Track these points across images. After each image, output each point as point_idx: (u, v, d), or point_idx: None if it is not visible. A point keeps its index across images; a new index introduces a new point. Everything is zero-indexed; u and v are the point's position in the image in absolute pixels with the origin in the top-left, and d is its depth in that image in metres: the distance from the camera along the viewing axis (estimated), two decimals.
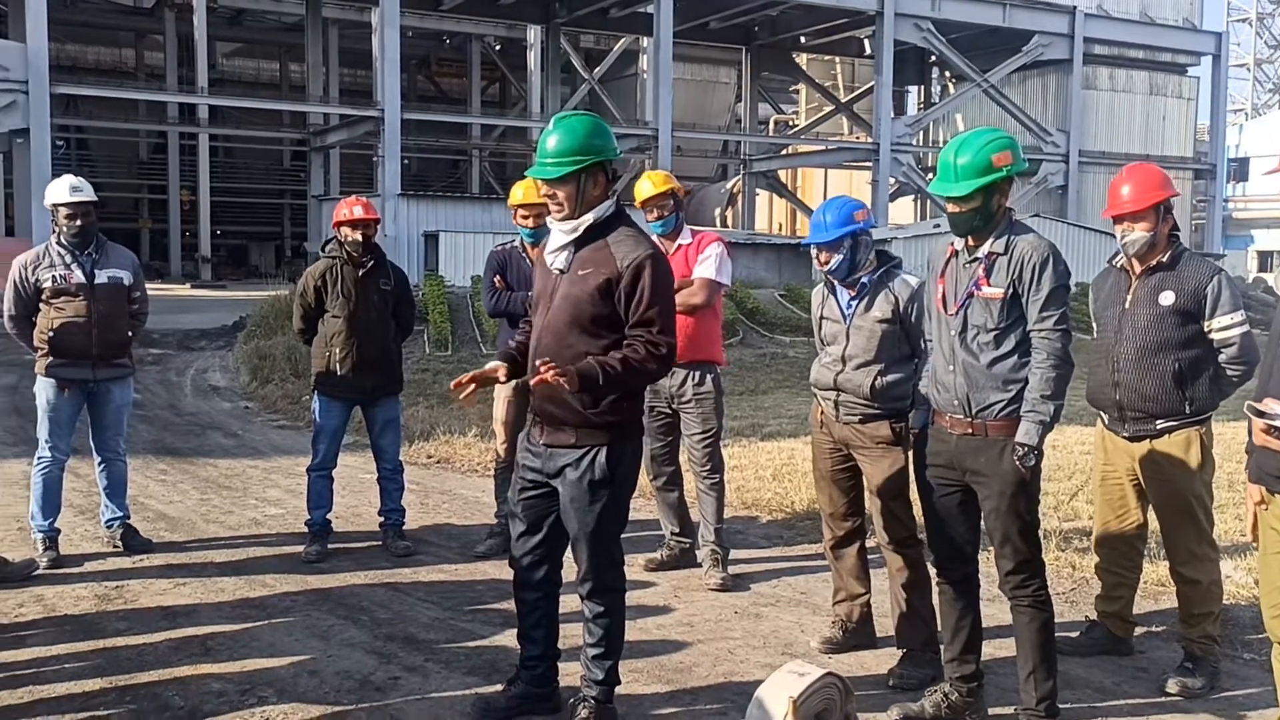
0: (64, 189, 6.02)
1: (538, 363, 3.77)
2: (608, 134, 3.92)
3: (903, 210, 36.96)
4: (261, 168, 44.21)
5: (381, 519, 6.49)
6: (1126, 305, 4.55)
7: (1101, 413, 4.76)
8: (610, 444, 3.87)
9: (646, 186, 5.81)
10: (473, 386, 3.98)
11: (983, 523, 4.04)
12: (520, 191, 6.17)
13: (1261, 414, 3.14)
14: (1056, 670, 3.97)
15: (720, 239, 5.89)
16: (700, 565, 5.91)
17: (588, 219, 3.86)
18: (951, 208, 3.91)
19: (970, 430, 3.90)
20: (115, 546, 6.26)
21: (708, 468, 5.84)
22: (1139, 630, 5.01)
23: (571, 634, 4.41)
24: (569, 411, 3.85)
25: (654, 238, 5.80)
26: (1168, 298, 4.44)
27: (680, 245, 5.81)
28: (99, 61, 41.42)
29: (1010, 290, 3.83)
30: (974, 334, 3.89)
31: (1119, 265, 4.66)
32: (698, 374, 5.73)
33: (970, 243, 3.96)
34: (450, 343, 15.82)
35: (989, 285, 3.86)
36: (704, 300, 5.66)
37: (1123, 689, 4.48)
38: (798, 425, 10.66)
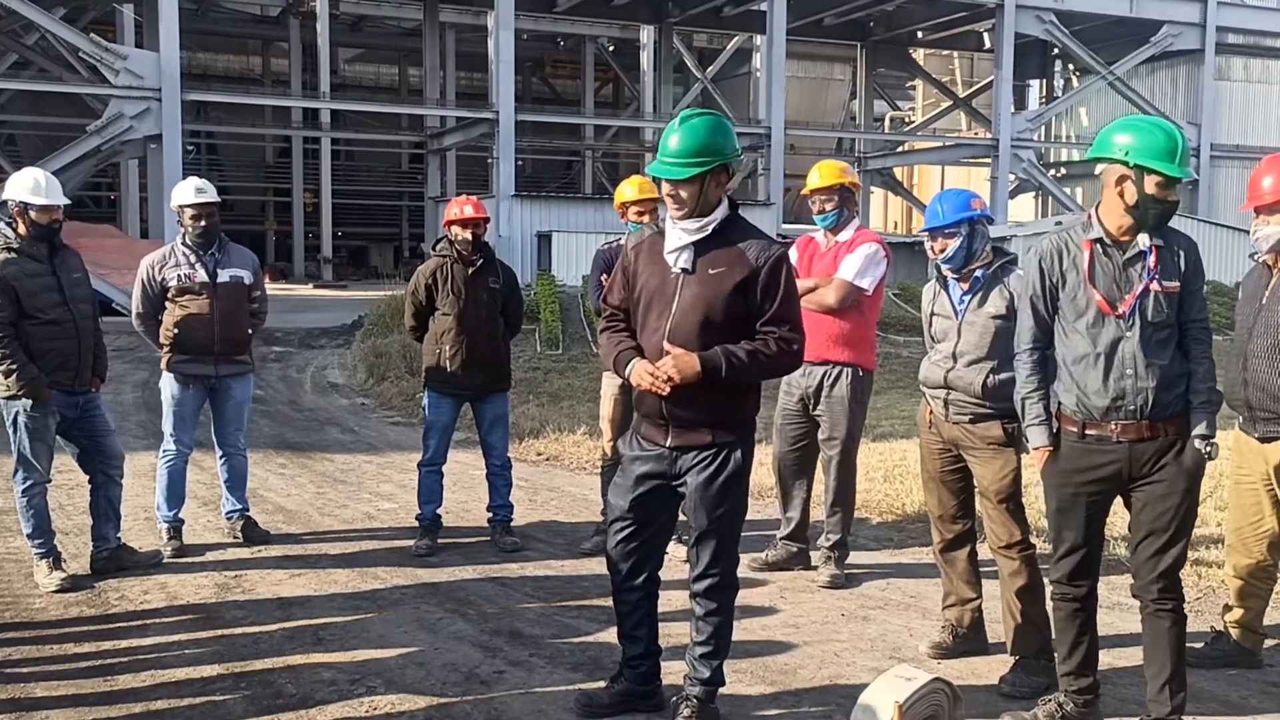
0: (189, 190, 6.23)
1: (654, 374, 3.78)
2: (730, 133, 3.91)
3: (1023, 207, 36.06)
4: (381, 170, 45.33)
5: (490, 514, 6.56)
6: (1264, 300, 4.34)
7: (1237, 414, 4.55)
8: (741, 440, 3.90)
9: (814, 177, 5.68)
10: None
11: (1143, 527, 3.80)
12: (630, 189, 6.17)
13: None
14: (1187, 681, 3.81)
15: (879, 240, 5.69)
16: (809, 569, 5.86)
17: (715, 218, 3.86)
18: (1173, 195, 3.67)
19: (1149, 433, 3.71)
20: (235, 538, 6.45)
21: (835, 472, 5.74)
22: (1269, 642, 4.78)
23: (674, 632, 4.39)
24: (703, 412, 3.84)
25: (820, 232, 5.75)
26: None
27: (837, 243, 5.69)
28: (228, 69, 42.98)
29: (1181, 283, 3.70)
30: (1150, 332, 3.68)
31: (1261, 261, 4.45)
32: (834, 374, 5.63)
33: (1121, 237, 3.72)
34: (561, 342, 15.96)
35: (1165, 279, 3.68)
36: (835, 302, 5.51)
37: (1250, 704, 4.27)
38: (910, 427, 10.45)
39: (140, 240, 27.63)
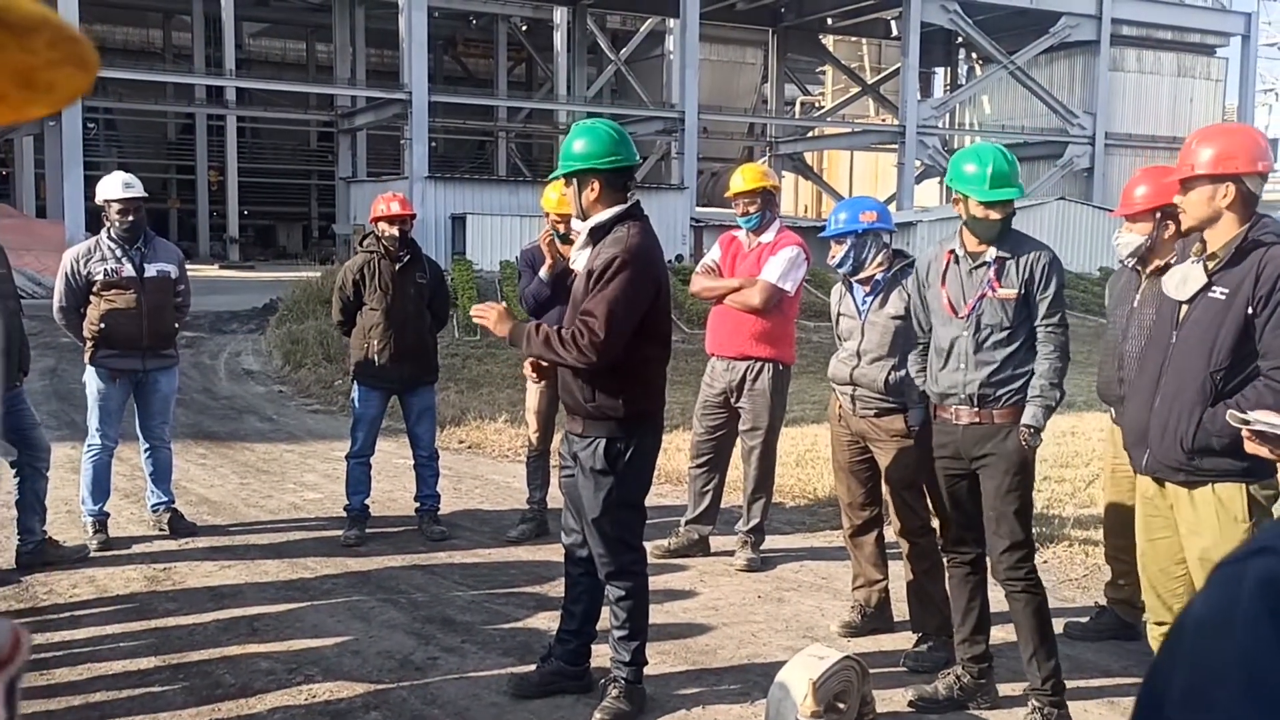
0: (116, 185, 6.24)
1: (474, 309, 4.20)
2: (599, 142, 4.04)
3: (928, 193, 36.90)
4: (288, 149, 44.56)
5: (417, 504, 6.69)
6: (1135, 304, 4.70)
7: (1110, 407, 4.92)
8: (610, 436, 4.04)
9: (738, 181, 5.89)
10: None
11: (985, 508, 4.18)
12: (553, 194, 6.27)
13: (1245, 422, 3.22)
14: (1056, 650, 4.15)
15: (800, 243, 5.89)
16: (708, 554, 6.13)
17: (590, 222, 4.08)
18: (994, 213, 4.03)
19: (978, 419, 4.09)
20: (161, 530, 6.49)
21: (756, 461, 5.98)
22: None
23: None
24: (575, 402, 4.09)
25: (743, 232, 5.94)
26: None
27: (760, 244, 5.91)
28: (127, 42, 41.78)
29: (1022, 291, 4.04)
30: (987, 333, 4.07)
31: (1133, 267, 4.80)
32: (756, 369, 5.87)
33: (973, 249, 4.12)
34: (479, 328, 16.03)
35: (1002, 287, 4.05)
36: (760, 303, 5.73)
37: (1130, 672, 4.65)
38: (820, 411, 10.78)
39: (38, 219, 26.89)
